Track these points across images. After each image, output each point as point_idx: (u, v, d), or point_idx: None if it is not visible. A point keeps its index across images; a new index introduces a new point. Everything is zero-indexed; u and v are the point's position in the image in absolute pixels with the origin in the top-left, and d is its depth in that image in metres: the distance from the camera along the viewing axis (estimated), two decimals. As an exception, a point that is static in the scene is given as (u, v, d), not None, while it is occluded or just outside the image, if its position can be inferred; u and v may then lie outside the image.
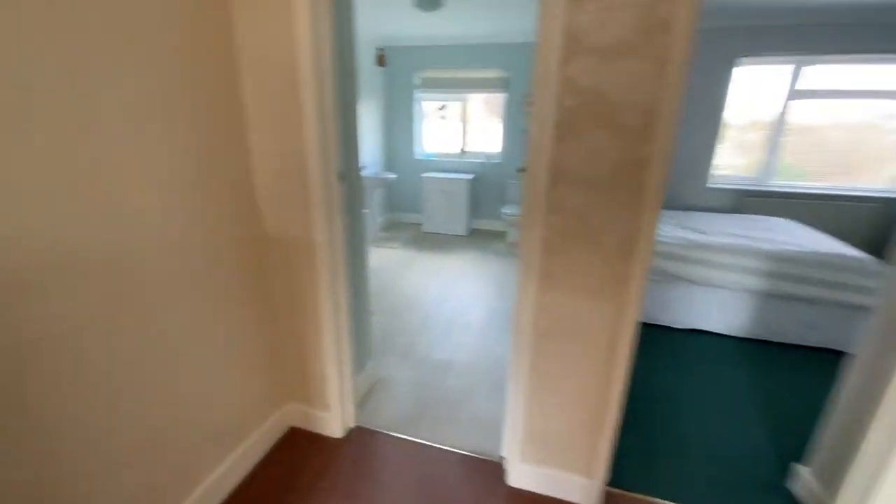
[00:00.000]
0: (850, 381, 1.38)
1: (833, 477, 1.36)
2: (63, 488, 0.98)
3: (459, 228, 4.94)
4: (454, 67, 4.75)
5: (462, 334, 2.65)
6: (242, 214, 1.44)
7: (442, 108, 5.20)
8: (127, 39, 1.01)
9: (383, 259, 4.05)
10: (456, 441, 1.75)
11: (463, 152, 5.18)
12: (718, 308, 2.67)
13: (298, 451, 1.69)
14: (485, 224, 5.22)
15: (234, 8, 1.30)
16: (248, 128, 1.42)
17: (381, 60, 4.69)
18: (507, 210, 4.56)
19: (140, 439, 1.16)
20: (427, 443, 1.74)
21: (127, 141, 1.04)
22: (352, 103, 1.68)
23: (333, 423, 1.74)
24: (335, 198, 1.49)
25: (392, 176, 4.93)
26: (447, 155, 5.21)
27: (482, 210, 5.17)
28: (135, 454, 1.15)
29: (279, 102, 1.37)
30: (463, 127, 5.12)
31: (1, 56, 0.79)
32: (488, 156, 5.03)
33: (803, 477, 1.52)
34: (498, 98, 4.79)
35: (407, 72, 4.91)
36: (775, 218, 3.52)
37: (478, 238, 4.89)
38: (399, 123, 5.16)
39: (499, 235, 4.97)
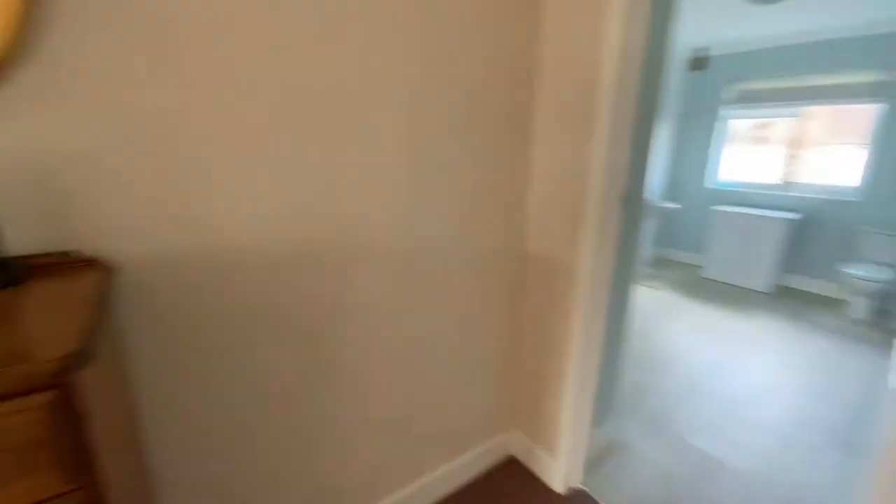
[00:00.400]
0: None
1: None
2: (331, 439, 1.18)
3: (759, 282, 3.75)
4: (790, 75, 3.63)
5: (745, 429, 1.92)
6: (509, 227, 1.43)
7: (761, 126, 4.09)
8: (445, 46, 1.12)
9: (642, 299, 3.50)
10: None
11: (785, 184, 3.91)
12: None
13: (514, 485, 1.56)
14: (805, 283, 3.79)
15: (545, 8, 1.28)
16: (532, 139, 1.39)
17: (697, 64, 3.99)
18: (853, 270, 3.14)
19: (392, 415, 1.29)
20: (671, 561, 1.29)
21: (436, 145, 1.15)
22: (650, 118, 1.42)
23: (557, 472, 1.53)
24: (611, 223, 1.28)
25: (674, 206, 4.24)
26: (755, 185, 4.05)
27: (804, 262, 3.77)
28: (387, 428, 1.29)
29: (570, 112, 1.27)
30: (789, 151, 3.87)
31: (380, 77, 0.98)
32: (831, 190, 3.61)
33: None
34: (861, 111, 3.36)
35: (715, 84, 4.10)
36: None
37: (789, 299, 3.58)
38: (693, 144, 4.39)
39: (829, 303, 3.49)
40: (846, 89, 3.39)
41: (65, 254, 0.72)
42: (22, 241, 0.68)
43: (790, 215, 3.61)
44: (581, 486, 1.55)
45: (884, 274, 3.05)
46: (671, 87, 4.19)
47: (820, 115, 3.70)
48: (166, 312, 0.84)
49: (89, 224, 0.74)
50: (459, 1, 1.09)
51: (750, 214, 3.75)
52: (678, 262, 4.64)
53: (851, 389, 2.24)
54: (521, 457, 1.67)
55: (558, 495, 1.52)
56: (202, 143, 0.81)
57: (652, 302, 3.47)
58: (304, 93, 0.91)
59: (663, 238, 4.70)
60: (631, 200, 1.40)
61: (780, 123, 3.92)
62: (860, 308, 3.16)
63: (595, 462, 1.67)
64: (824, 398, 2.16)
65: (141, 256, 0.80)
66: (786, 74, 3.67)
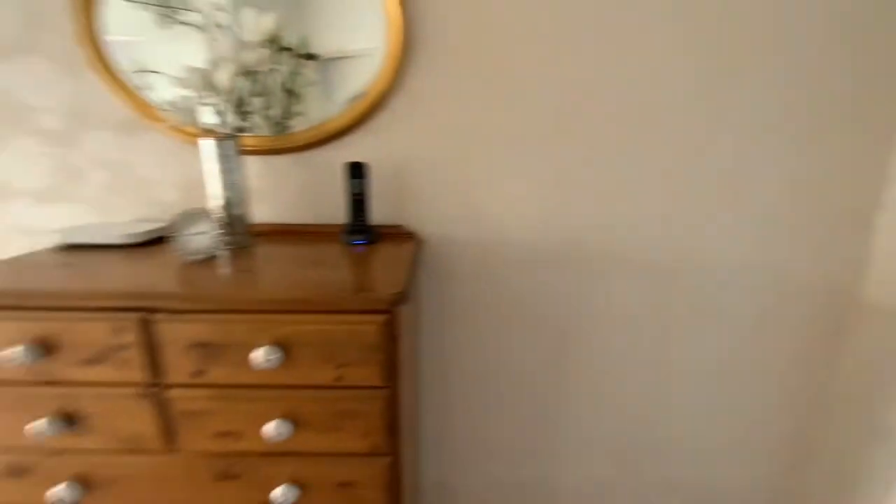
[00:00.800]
0: None
1: None
2: (553, 439, 1.20)
3: None
4: None
5: None
6: (835, 258, 1.05)
7: None
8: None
9: None
10: None
11: None
12: None
13: None
14: None
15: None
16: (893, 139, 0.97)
17: None
18: None
19: (622, 440, 1.21)
20: None
21: (738, 138, 0.98)
22: None
23: None
24: None
25: None
26: None
27: None
28: (614, 450, 1.22)
29: None
30: None
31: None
32: None
33: None
34: None
35: None
36: None
37: None
38: None
39: None
40: None
41: (398, 227, 1.02)
42: (379, 215, 1.01)
43: None
44: None
45: None
46: None
47: None
48: (448, 280, 1.07)
49: (412, 208, 1.02)
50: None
51: None
52: None
53: None
54: (803, 566, 1.23)
55: None
56: (493, 154, 0.99)
57: None
58: (574, 97, 0.95)
59: None
60: None
61: None
62: None
63: None
64: None
65: (438, 235, 1.04)
66: None
